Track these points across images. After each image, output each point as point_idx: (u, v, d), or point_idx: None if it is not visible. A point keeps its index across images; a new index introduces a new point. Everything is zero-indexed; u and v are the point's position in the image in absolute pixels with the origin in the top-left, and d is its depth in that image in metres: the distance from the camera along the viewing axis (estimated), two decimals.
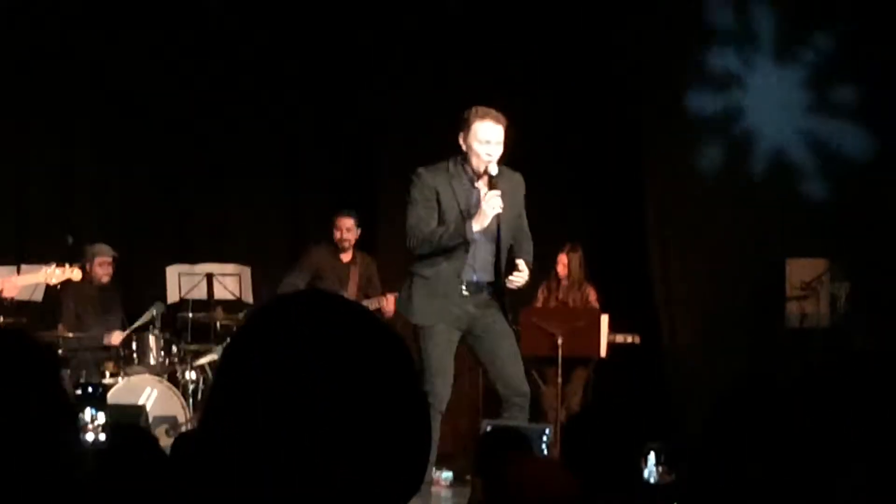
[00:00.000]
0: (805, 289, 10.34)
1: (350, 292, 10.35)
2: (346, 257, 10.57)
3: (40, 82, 11.71)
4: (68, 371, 10.08)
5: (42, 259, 9.57)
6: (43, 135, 11.90)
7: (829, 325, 10.39)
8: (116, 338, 10.51)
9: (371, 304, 10.32)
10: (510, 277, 7.40)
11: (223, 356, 1.57)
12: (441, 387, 7.36)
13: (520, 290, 7.67)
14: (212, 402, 1.54)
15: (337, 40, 12.06)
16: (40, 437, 2.28)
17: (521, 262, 7.44)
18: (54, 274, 9.24)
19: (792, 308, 10.50)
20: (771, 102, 11.10)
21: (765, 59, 11.17)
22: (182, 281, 10.82)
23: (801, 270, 10.49)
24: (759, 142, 11.13)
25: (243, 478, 1.48)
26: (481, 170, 7.37)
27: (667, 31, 11.40)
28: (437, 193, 7.39)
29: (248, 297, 10.94)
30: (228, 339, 1.49)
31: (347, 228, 10.50)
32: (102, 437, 8.09)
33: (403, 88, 11.92)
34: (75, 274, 9.31)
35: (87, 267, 10.72)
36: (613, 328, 10.15)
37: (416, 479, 1.55)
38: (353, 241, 10.53)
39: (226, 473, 1.50)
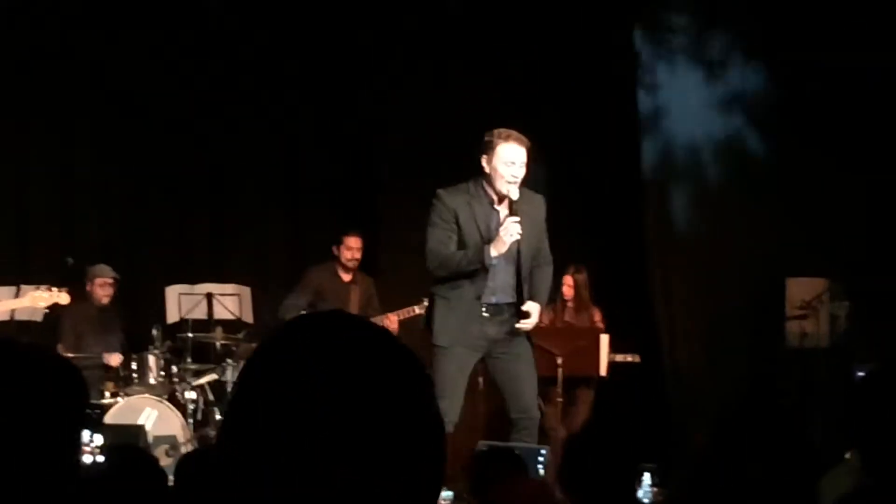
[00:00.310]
0: (805, 308, 10.34)
1: (351, 311, 10.34)
2: (346, 277, 10.58)
3: (40, 88, 11.70)
4: None
5: (43, 280, 9.55)
6: (43, 152, 11.89)
7: (829, 344, 10.39)
8: (116, 359, 10.51)
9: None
10: (518, 325, 7.41)
11: (241, 374, 1.57)
12: (449, 409, 7.33)
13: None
14: (229, 420, 1.55)
15: (337, 41, 12.09)
16: (44, 454, 2.32)
17: (530, 306, 7.44)
18: (42, 297, 9.21)
19: (792, 327, 10.49)
20: None
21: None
22: (182, 301, 10.80)
23: (800, 290, 10.49)
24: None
25: (262, 497, 1.49)
26: (504, 192, 7.33)
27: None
28: (457, 216, 7.38)
29: (248, 318, 10.93)
30: (248, 358, 1.50)
31: (357, 248, 10.52)
32: (99, 458, 8.06)
33: (404, 92, 11.94)
34: (62, 297, 9.28)
35: (88, 288, 10.72)
36: (614, 348, 10.15)
37: (432, 498, 1.56)
38: (359, 261, 10.55)
39: (243, 492, 1.50)
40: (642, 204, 11.60)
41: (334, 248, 10.58)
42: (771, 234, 11.05)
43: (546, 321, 10.54)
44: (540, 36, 11.54)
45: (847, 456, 3.83)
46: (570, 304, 10.61)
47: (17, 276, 10.19)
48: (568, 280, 10.55)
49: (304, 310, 10.43)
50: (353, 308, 10.43)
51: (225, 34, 12.08)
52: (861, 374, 8.71)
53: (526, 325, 7.42)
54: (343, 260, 10.53)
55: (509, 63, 11.50)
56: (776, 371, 10.61)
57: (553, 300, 10.50)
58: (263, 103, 12.21)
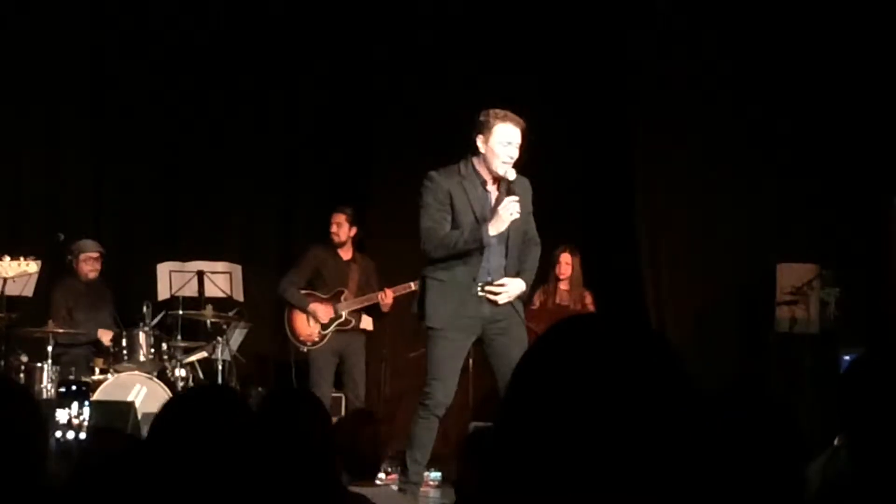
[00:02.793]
0: (795, 294, 10.35)
1: (350, 290, 10.41)
2: (346, 255, 10.58)
3: (34, 77, 11.69)
4: (58, 367, 10.07)
5: (35, 255, 9.53)
6: (36, 131, 11.88)
7: (818, 330, 10.40)
8: (106, 336, 10.51)
9: (369, 299, 10.36)
10: (487, 288, 7.39)
11: (522, 365, 1.64)
12: (441, 392, 7.33)
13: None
14: (508, 409, 1.59)
15: (331, 22, 12.09)
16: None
17: (513, 281, 7.42)
18: (9, 266, 9.17)
19: (782, 313, 10.51)
20: None
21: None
22: (173, 278, 10.81)
23: (791, 275, 10.50)
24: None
25: (534, 483, 1.53)
26: (500, 172, 7.31)
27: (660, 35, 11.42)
28: (451, 197, 7.35)
29: (239, 295, 10.93)
30: (531, 349, 1.61)
31: (338, 223, 10.50)
32: (83, 435, 8.06)
33: (400, 83, 11.95)
34: (31, 267, 9.23)
35: (74, 264, 10.72)
36: None
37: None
38: (343, 237, 10.52)
39: (518, 475, 1.56)
40: (635, 189, 11.60)
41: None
42: (762, 220, 11.07)
43: (537, 302, 10.56)
44: (530, 21, 11.55)
45: (835, 442, 3.84)
46: (562, 286, 10.61)
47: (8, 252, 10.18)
48: (566, 258, 10.57)
49: (302, 287, 10.46)
50: (352, 286, 10.47)
51: (217, 14, 12.07)
52: (848, 358, 8.75)
53: (501, 297, 7.36)
54: (331, 235, 10.54)
55: (503, 50, 11.50)
56: (765, 356, 10.62)
57: (545, 280, 10.52)
58: (256, 82, 12.20)
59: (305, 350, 10.41)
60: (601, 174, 11.72)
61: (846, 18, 10.79)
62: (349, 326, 10.42)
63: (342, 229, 10.50)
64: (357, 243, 10.75)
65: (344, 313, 10.41)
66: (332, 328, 10.39)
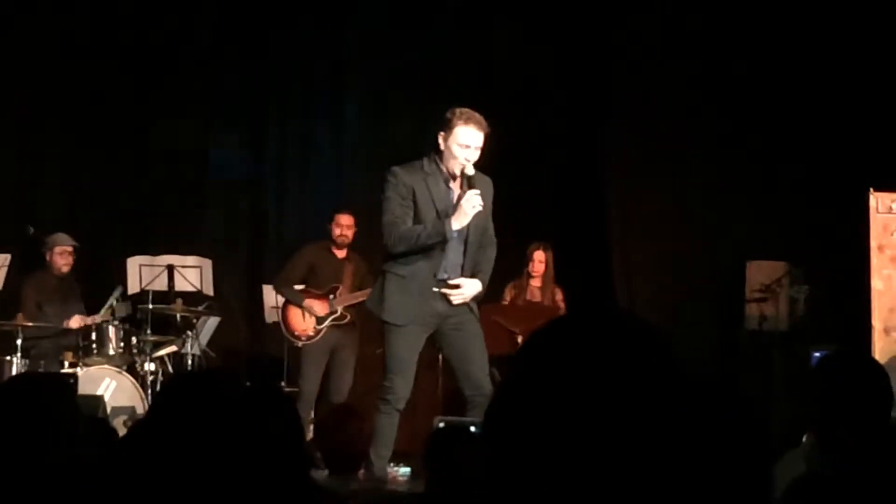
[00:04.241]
0: (764, 291, 10.40)
1: (344, 286, 10.42)
2: (340, 254, 10.58)
3: (3, 69, 11.63)
4: (27, 361, 10.04)
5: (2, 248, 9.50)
6: (5, 122, 11.81)
7: (787, 327, 10.45)
8: (76, 321, 10.47)
9: (364, 294, 10.37)
10: (444, 290, 7.40)
11: (517, 361, 1.63)
12: (401, 385, 7.34)
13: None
14: (501, 405, 1.60)
15: (313, 9, 12.12)
16: None
17: (468, 281, 7.43)
18: None
19: (751, 310, 10.56)
20: None
21: None
22: (143, 272, 10.78)
23: (760, 273, 10.55)
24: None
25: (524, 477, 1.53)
26: (456, 172, 7.30)
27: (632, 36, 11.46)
28: (414, 193, 7.34)
29: (209, 290, 10.92)
30: (521, 349, 1.60)
31: (347, 226, 10.51)
32: None
33: (370, 61, 11.97)
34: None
35: (48, 257, 10.68)
36: None
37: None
38: (351, 238, 10.53)
39: (508, 473, 1.56)
40: (606, 186, 11.63)
41: (328, 226, 10.57)
42: (732, 218, 11.11)
43: (508, 297, 10.57)
44: (506, 12, 11.59)
45: (804, 439, 3.86)
46: (534, 283, 10.62)
47: None
48: (540, 255, 10.57)
49: (296, 284, 10.47)
50: (345, 285, 10.47)
51: (191, 4, 12.07)
52: (817, 355, 8.79)
53: (456, 298, 7.37)
54: (334, 237, 10.54)
55: (478, 43, 11.52)
56: (735, 353, 10.67)
57: (517, 276, 10.53)
58: (229, 74, 12.19)
59: (300, 345, 10.45)
60: (573, 171, 11.74)
61: (819, 12, 10.84)
62: (344, 321, 10.45)
63: (350, 231, 10.51)
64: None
65: (339, 308, 10.44)
66: (327, 323, 10.42)
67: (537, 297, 10.62)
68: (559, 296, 10.57)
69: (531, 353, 1.63)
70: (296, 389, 10.26)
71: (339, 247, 10.55)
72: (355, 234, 10.52)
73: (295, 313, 10.50)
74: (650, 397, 1.57)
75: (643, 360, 1.58)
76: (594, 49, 11.61)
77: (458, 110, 7.29)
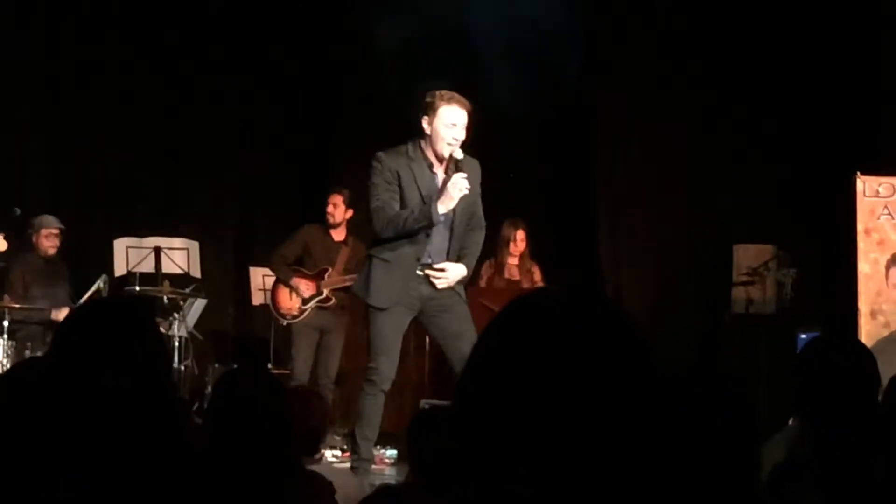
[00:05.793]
0: (751, 274, 10.41)
1: (336, 269, 10.43)
2: (337, 236, 10.57)
3: None
4: (14, 343, 10.02)
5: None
6: None
7: (774, 311, 10.46)
8: (62, 315, 10.45)
9: (353, 279, 10.37)
10: (428, 272, 7.40)
11: (482, 342, 1.62)
12: (386, 366, 7.35)
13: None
14: (469, 382, 1.60)
15: (297, 9, 12.07)
16: None
17: (453, 265, 7.43)
18: None
19: (738, 293, 10.57)
20: None
21: None
22: (130, 254, 10.77)
23: (747, 256, 10.55)
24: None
25: (493, 455, 1.53)
26: (445, 154, 7.30)
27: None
28: (399, 177, 7.35)
29: (196, 272, 10.91)
30: (489, 325, 1.59)
31: (334, 204, 10.49)
32: None
33: (361, 46, 11.92)
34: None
35: (34, 239, 10.65)
36: None
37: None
38: (339, 218, 10.50)
39: (478, 450, 1.56)
40: (592, 169, 11.64)
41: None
42: (719, 201, 11.12)
43: (485, 276, 10.56)
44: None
45: (790, 422, 3.87)
46: (511, 261, 10.60)
47: None
48: (521, 234, 10.54)
49: (291, 263, 10.47)
50: (339, 266, 10.47)
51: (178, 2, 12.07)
52: (804, 337, 8.80)
53: (440, 282, 7.38)
54: (326, 217, 10.53)
55: (462, 31, 11.51)
56: (722, 337, 10.68)
57: (494, 255, 10.50)
58: (216, 57, 12.16)
59: (285, 323, 10.47)
60: (560, 154, 11.73)
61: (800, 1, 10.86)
62: (330, 304, 10.44)
63: (338, 210, 10.50)
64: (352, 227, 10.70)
65: (325, 290, 10.42)
66: (311, 304, 10.42)
67: (515, 274, 10.59)
68: (538, 275, 10.54)
69: (499, 329, 1.62)
70: (284, 371, 10.27)
71: (331, 227, 10.53)
72: (354, 218, 10.49)
73: (283, 291, 10.52)
74: (621, 377, 1.57)
75: (613, 337, 1.58)
76: (584, 31, 11.59)
77: (437, 92, 7.32)
